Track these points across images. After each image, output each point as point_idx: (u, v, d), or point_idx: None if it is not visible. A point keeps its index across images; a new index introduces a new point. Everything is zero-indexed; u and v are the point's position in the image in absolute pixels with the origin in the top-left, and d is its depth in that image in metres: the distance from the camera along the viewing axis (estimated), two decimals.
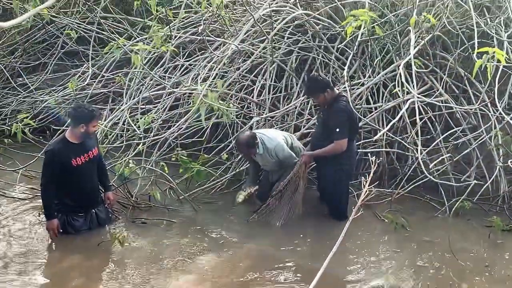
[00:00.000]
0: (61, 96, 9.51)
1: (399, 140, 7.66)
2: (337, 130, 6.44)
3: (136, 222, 6.77)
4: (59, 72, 10.34)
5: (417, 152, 6.81)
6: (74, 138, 6.06)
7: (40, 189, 6.21)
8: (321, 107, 6.79)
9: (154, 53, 8.70)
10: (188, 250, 6.19)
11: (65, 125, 8.51)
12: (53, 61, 10.35)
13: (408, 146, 7.50)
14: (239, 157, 7.82)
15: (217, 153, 8.05)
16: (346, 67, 6.78)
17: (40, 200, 6.72)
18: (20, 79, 10.34)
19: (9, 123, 9.13)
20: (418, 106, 6.86)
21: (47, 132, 9.16)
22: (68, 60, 10.48)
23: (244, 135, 6.92)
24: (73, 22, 9.76)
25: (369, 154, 7.28)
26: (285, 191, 6.76)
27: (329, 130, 6.52)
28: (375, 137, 6.99)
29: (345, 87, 7.24)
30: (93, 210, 6.39)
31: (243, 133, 7.12)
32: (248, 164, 7.50)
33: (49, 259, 6.01)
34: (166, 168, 7.16)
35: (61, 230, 6.12)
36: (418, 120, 6.85)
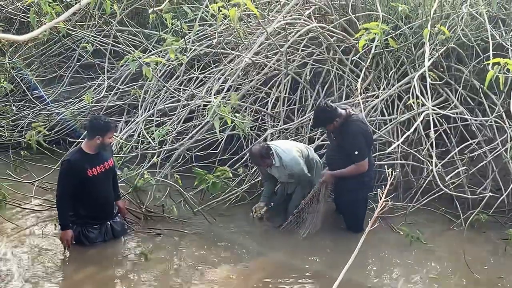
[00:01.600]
0: (77, 109, 9.59)
1: (414, 152, 7.62)
2: (356, 153, 6.42)
3: (151, 233, 6.78)
4: (75, 84, 10.43)
5: (432, 164, 6.79)
6: (90, 149, 6.10)
7: (55, 200, 6.24)
8: (331, 130, 6.75)
9: (169, 65, 8.76)
10: (203, 262, 6.19)
11: (81, 137, 8.58)
12: (69, 73, 10.44)
13: (423, 159, 7.47)
14: (254, 169, 7.83)
15: (231, 165, 8.06)
16: (359, 80, 6.78)
17: (55, 211, 6.78)
18: (37, 91, 10.42)
19: (25, 135, 9.20)
20: (433, 118, 6.84)
21: (63, 144, 9.23)
22: (84, 72, 10.58)
23: (257, 147, 6.92)
24: (89, 35, 9.85)
25: (385, 167, 7.33)
26: (305, 210, 6.74)
27: (342, 152, 6.52)
28: (389, 149, 6.98)
29: (359, 100, 7.23)
30: (108, 222, 6.41)
31: (256, 145, 7.12)
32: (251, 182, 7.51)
33: (63, 270, 6.02)
34: (179, 181, 7.18)
35: (73, 242, 6.14)
36: (432, 132, 6.83)
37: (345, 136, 6.48)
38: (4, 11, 10.29)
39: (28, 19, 7.20)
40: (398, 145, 7.32)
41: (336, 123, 6.47)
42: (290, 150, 6.86)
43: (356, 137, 6.44)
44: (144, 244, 6.53)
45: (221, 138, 7.84)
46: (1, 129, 9.78)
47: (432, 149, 7.17)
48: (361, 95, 7.17)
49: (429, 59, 6.76)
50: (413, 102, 6.97)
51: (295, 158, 6.82)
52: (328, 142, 7.22)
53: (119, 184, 6.81)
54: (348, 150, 6.46)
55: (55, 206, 6.95)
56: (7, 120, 9.95)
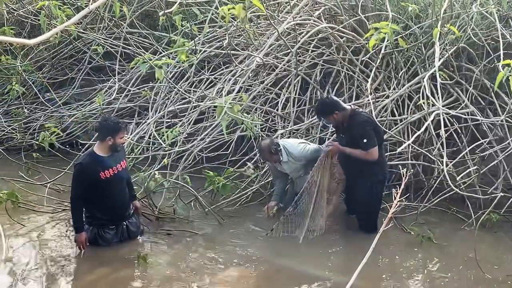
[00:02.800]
0: (88, 111, 9.64)
1: (425, 152, 7.61)
2: (364, 140, 6.43)
3: (161, 233, 6.81)
4: (86, 87, 10.49)
5: (443, 164, 6.77)
6: (102, 151, 6.13)
7: (69, 202, 6.28)
8: (339, 129, 6.77)
9: (179, 67, 8.79)
10: (213, 263, 6.20)
11: (92, 140, 8.63)
12: (80, 76, 10.50)
13: (434, 158, 7.46)
14: (264, 170, 7.84)
15: (242, 166, 8.07)
16: (369, 80, 6.78)
17: (68, 213, 6.82)
18: (48, 94, 10.50)
19: (37, 138, 9.27)
20: (444, 118, 6.82)
21: (75, 146, 9.29)
22: (95, 75, 10.63)
23: (265, 142, 6.99)
24: (100, 37, 9.89)
25: (399, 167, 7.32)
26: (309, 188, 6.67)
27: (354, 147, 6.52)
28: (400, 149, 6.96)
29: (369, 100, 7.23)
30: (124, 223, 6.43)
31: (265, 139, 7.16)
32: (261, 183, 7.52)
33: (77, 271, 6.05)
34: (189, 181, 7.20)
35: (87, 244, 6.17)
36: (443, 132, 6.81)
37: (353, 128, 6.51)
38: (15, 14, 10.35)
39: (39, 22, 7.24)
40: (408, 145, 7.31)
41: (337, 116, 6.50)
42: (295, 142, 7.01)
43: (362, 126, 6.46)
44: (154, 245, 6.56)
45: (229, 139, 7.86)
46: (13, 131, 9.84)
47: (443, 149, 7.16)
48: (371, 95, 7.17)
49: (439, 59, 6.75)
50: (423, 103, 6.95)
51: (302, 145, 6.91)
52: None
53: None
54: (357, 142, 6.46)
55: (67, 208, 7.01)
56: (19, 122, 10.01)
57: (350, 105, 6.75)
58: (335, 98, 6.87)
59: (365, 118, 6.54)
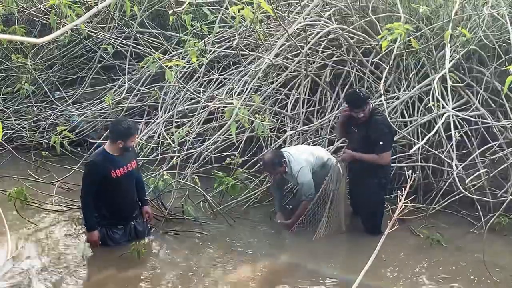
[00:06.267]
0: (98, 110, 9.67)
1: (436, 154, 7.57)
2: (381, 143, 6.41)
3: (169, 233, 6.81)
4: (96, 86, 10.52)
5: (454, 166, 6.74)
6: (114, 150, 6.13)
7: (80, 201, 6.30)
8: (354, 123, 6.70)
9: (189, 67, 8.79)
10: (222, 263, 6.21)
11: (102, 138, 8.65)
12: (90, 75, 10.52)
13: (445, 159, 7.41)
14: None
15: (251, 166, 8.06)
16: (382, 80, 6.74)
17: (77, 212, 6.84)
18: (58, 93, 10.53)
19: (47, 136, 9.29)
20: (454, 121, 6.79)
21: (84, 145, 9.31)
22: (104, 74, 10.66)
23: (269, 155, 6.92)
24: (110, 37, 9.91)
25: (405, 168, 7.30)
26: (324, 195, 6.67)
27: (367, 145, 6.49)
28: (411, 151, 6.93)
29: (381, 101, 7.21)
30: (132, 222, 6.44)
31: (267, 153, 7.10)
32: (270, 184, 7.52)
33: (85, 270, 6.08)
34: (197, 181, 7.20)
35: (100, 243, 6.18)
36: (454, 134, 6.79)
37: (372, 126, 6.48)
38: (26, 13, 10.38)
39: (50, 21, 7.26)
40: (418, 147, 7.28)
41: (365, 110, 6.45)
42: (301, 161, 6.79)
43: (381, 128, 6.47)
44: (164, 245, 6.59)
45: (237, 141, 7.86)
46: (23, 130, 9.87)
47: (453, 151, 7.13)
48: (383, 96, 7.15)
49: (450, 61, 6.71)
50: (433, 105, 6.92)
51: (302, 171, 6.74)
52: (346, 144, 7.18)
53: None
54: (373, 141, 6.44)
55: (76, 206, 7.03)
56: (29, 121, 10.04)
57: (371, 103, 6.72)
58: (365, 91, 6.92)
59: (384, 119, 6.56)
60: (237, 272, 6.01)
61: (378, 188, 6.69)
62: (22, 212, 6.97)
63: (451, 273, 6.05)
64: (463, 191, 6.73)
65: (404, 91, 8.10)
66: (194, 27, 7.64)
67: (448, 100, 6.58)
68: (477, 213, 7.19)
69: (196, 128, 8.42)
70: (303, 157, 6.85)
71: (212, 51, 8.61)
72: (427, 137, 6.43)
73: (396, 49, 6.45)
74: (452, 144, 7.12)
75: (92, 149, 8.29)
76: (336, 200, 6.70)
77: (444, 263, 6.27)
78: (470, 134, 7.87)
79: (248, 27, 7.81)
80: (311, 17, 8.47)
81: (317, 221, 6.68)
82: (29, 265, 6.02)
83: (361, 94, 6.61)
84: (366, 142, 6.52)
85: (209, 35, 8.06)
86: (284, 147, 7.63)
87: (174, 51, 9.22)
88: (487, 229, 6.79)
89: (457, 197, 7.27)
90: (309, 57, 8.53)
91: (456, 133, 7.11)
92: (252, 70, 7.93)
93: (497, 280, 5.80)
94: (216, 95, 8.24)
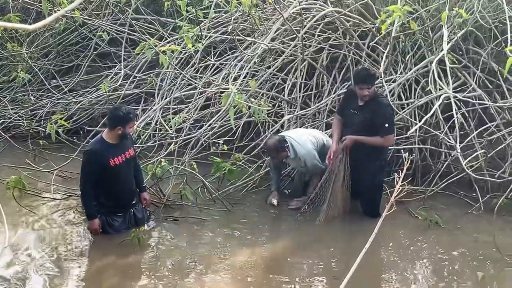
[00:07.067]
0: (95, 97, 9.64)
1: (433, 136, 7.58)
2: (386, 125, 6.40)
3: (168, 220, 6.82)
4: (92, 73, 10.47)
5: (457, 147, 6.74)
6: (112, 138, 6.12)
7: (79, 190, 6.30)
8: (354, 104, 6.67)
9: (185, 53, 8.76)
10: (221, 248, 6.22)
11: (99, 126, 8.64)
12: (86, 62, 10.47)
13: (445, 138, 7.40)
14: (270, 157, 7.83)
15: (248, 151, 8.07)
16: (382, 62, 6.71)
17: (75, 200, 6.85)
18: (54, 81, 10.49)
19: (44, 125, 9.27)
20: (454, 102, 6.79)
21: (81, 133, 9.30)
22: (100, 61, 10.61)
23: (273, 140, 6.93)
24: (105, 24, 9.85)
25: (402, 151, 7.30)
26: (326, 181, 6.70)
27: (369, 127, 6.47)
28: (409, 132, 6.94)
29: (380, 83, 7.21)
30: (131, 210, 6.44)
31: (271, 138, 7.11)
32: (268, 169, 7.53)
33: (86, 258, 6.08)
34: (195, 166, 7.21)
35: (101, 230, 6.19)
36: (456, 115, 6.80)
37: (376, 108, 6.47)
38: (20, 1, 10.33)
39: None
40: (416, 129, 7.29)
41: (370, 90, 6.43)
42: (305, 142, 6.85)
43: (387, 109, 6.48)
44: (163, 231, 6.60)
45: (235, 126, 7.85)
46: (20, 119, 9.85)
47: (452, 133, 7.15)
48: (383, 79, 7.14)
49: (448, 43, 6.69)
50: (431, 87, 6.91)
51: (309, 152, 6.81)
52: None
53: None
54: (377, 124, 6.43)
55: (74, 194, 7.03)
56: (25, 109, 10.01)
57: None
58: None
59: (388, 102, 6.56)
60: (237, 257, 6.02)
61: (378, 171, 6.70)
62: (21, 200, 6.96)
63: (449, 254, 6.09)
64: (466, 169, 6.74)
65: (401, 73, 8.09)
66: (189, 13, 7.60)
67: (448, 82, 6.58)
68: (474, 194, 7.24)
69: (193, 114, 8.41)
70: (303, 138, 6.92)
71: (207, 37, 8.57)
72: (424, 119, 6.45)
73: (394, 31, 6.43)
74: (455, 125, 7.13)
75: (88, 138, 8.31)
76: (338, 185, 6.71)
77: (442, 244, 6.31)
78: (467, 115, 7.87)
79: (243, 11, 7.78)
80: (306, 1, 8.43)
81: (318, 207, 6.71)
82: (28, 253, 6.02)
83: (370, 72, 6.63)
84: (369, 124, 6.50)
85: (205, 20, 8.03)
86: (281, 131, 7.63)
87: (169, 37, 9.18)
88: (485, 210, 6.85)
89: (455, 178, 7.30)
90: (305, 41, 8.50)
91: (459, 114, 7.13)
92: (248, 55, 7.91)
93: (494, 260, 5.85)
94: (213, 80, 8.22)
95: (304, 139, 6.90)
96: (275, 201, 7.08)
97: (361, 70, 6.92)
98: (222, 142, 7.81)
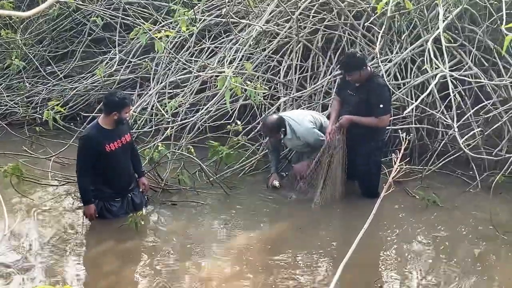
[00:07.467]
0: (90, 83, 9.61)
1: (430, 115, 7.58)
2: (381, 106, 6.41)
3: (166, 204, 6.82)
4: (87, 59, 10.42)
5: (452, 125, 6.75)
6: (107, 124, 6.10)
7: (75, 176, 6.29)
8: (351, 86, 6.68)
9: (180, 37, 8.72)
10: (219, 231, 6.25)
11: (95, 111, 8.62)
12: (80, 48, 10.41)
13: (444, 118, 7.41)
14: (267, 138, 7.83)
15: (245, 134, 8.06)
16: (377, 43, 6.70)
17: (73, 186, 6.86)
18: (49, 67, 10.45)
19: (40, 111, 9.25)
20: (450, 80, 6.78)
21: (78, 119, 9.29)
22: (95, 47, 10.56)
23: (270, 119, 6.93)
24: (99, 9, 9.78)
25: (399, 131, 7.31)
26: (321, 161, 6.70)
27: (365, 108, 6.47)
28: (405, 112, 6.94)
29: (376, 64, 7.19)
30: (129, 195, 6.44)
31: (269, 117, 7.11)
32: (267, 150, 7.54)
33: (84, 243, 6.10)
34: (193, 151, 7.21)
35: (96, 216, 6.19)
36: (453, 94, 6.79)
37: (371, 88, 6.47)
38: None
39: None
40: (413, 109, 7.30)
41: (362, 73, 6.43)
42: (303, 121, 6.85)
43: (383, 89, 6.48)
44: (161, 215, 6.63)
45: (231, 109, 7.84)
46: (16, 106, 9.82)
47: (449, 112, 7.15)
48: (379, 59, 7.13)
49: (443, 21, 6.67)
50: (428, 67, 6.89)
51: (308, 129, 6.81)
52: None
53: None
54: (373, 104, 6.44)
55: (72, 180, 7.03)
56: (21, 96, 9.98)
57: (369, 66, 6.70)
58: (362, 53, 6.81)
59: (384, 83, 6.55)
60: (235, 240, 6.04)
61: (375, 151, 6.71)
62: (19, 187, 6.95)
63: (446, 232, 6.14)
64: (463, 148, 6.75)
65: (397, 53, 8.07)
66: None
67: (445, 60, 6.57)
68: (472, 173, 7.25)
69: (189, 98, 8.39)
70: (301, 117, 6.93)
71: (202, 20, 8.53)
72: (420, 98, 6.43)
73: (389, 11, 6.40)
74: (451, 104, 7.14)
75: (85, 124, 8.30)
76: (334, 167, 6.71)
77: (440, 222, 6.35)
78: (463, 94, 7.86)
79: None
80: None
81: (315, 188, 6.73)
82: (27, 240, 6.04)
83: (355, 59, 6.56)
84: (364, 105, 6.50)
85: (199, 3, 7.99)
86: (278, 113, 7.62)
87: (163, 21, 9.13)
88: (482, 188, 6.88)
89: (452, 157, 7.32)
90: (300, 23, 8.46)
91: (456, 93, 7.13)
92: (243, 38, 7.88)
93: (491, 237, 5.89)
94: (208, 64, 8.19)
95: (301, 118, 6.91)
96: (276, 183, 7.08)
97: (344, 58, 6.85)
98: (239, 122, 7.77)
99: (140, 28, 6.65)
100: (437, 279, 5.29)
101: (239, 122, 7.75)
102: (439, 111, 7.52)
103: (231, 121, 8.10)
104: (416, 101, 6.68)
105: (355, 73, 6.47)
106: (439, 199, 6.67)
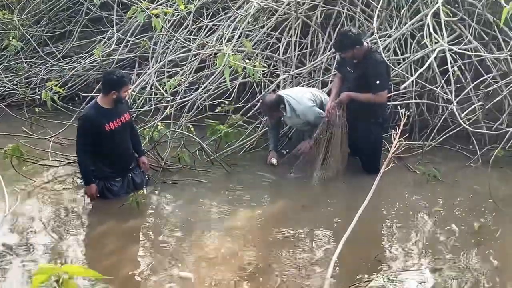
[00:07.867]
0: (89, 63, 9.57)
1: (430, 90, 7.56)
2: (377, 82, 6.41)
3: (167, 183, 6.83)
4: (85, 39, 10.38)
5: (451, 99, 6.73)
6: (106, 103, 6.08)
7: (76, 156, 6.29)
8: (350, 62, 6.67)
9: (178, 15, 8.67)
10: (221, 209, 6.24)
11: (94, 91, 8.60)
12: (78, 28, 10.38)
13: (442, 93, 7.39)
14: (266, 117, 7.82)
15: (245, 112, 8.04)
16: (375, 20, 6.66)
17: (73, 166, 6.85)
18: (47, 48, 10.41)
19: (39, 92, 9.22)
20: (450, 55, 6.76)
21: (77, 99, 9.27)
22: (93, 26, 10.52)
23: (269, 98, 6.93)
24: None
25: (398, 107, 7.30)
26: (321, 138, 6.70)
27: (363, 85, 6.46)
28: (403, 86, 6.93)
29: (374, 40, 7.16)
30: (130, 174, 6.44)
31: (268, 95, 7.10)
32: (266, 129, 7.53)
33: (86, 224, 6.11)
34: (192, 129, 7.20)
35: (98, 195, 6.20)
36: (452, 69, 6.75)
37: (369, 65, 6.47)
38: None
39: None
40: (413, 84, 7.28)
41: (356, 51, 6.42)
42: (302, 99, 6.84)
43: (379, 65, 6.48)
44: (162, 194, 6.63)
45: (231, 87, 7.82)
46: (15, 87, 9.79)
47: (449, 86, 7.13)
48: (373, 35, 7.09)
49: None
50: (427, 41, 6.86)
51: (307, 107, 6.81)
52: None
53: None
54: (369, 80, 6.44)
55: (72, 161, 7.03)
56: (20, 77, 9.95)
57: (367, 42, 6.67)
58: (357, 31, 6.80)
59: (381, 59, 6.53)
60: (236, 218, 6.04)
61: (376, 128, 6.71)
62: (19, 168, 6.95)
63: (447, 206, 6.15)
64: (462, 123, 6.74)
65: (396, 28, 8.02)
66: None
67: (444, 35, 6.53)
68: (472, 147, 7.26)
69: (188, 76, 8.36)
70: (300, 95, 6.93)
71: None
72: (419, 71, 6.42)
73: None
74: (450, 78, 7.11)
75: (84, 104, 8.27)
76: (334, 143, 6.71)
77: (440, 197, 6.37)
78: (463, 68, 7.84)
79: None
80: None
81: (316, 166, 6.73)
82: (29, 221, 6.04)
83: (346, 37, 6.53)
84: (362, 81, 6.50)
85: None
86: (277, 91, 7.59)
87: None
88: (483, 162, 6.88)
89: (452, 132, 7.32)
90: None
91: (455, 67, 7.10)
92: (241, 15, 7.83)
93: (490, 210, 5.93)
94: (207, 42, 8.15)
95: (300, 96, 6.90)
96: (274, 161, 7.10)
97: (338, 35, 6.83)
98: (227, 102, 7.76)
99: (137, 7, 6.60)
100: (438, 253, 5.30)
101: (226, 102, 7.74)
102: (439, 86, 7.50)
103: (230, 99, 8.07)
104: (416, 74, 6.66)
105: (347, 52, 6.50)
106: (440, 174, 6.67)
